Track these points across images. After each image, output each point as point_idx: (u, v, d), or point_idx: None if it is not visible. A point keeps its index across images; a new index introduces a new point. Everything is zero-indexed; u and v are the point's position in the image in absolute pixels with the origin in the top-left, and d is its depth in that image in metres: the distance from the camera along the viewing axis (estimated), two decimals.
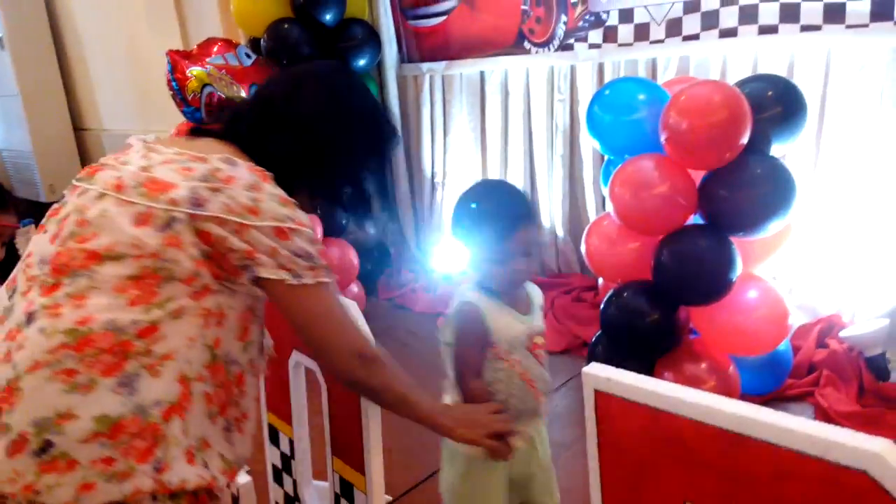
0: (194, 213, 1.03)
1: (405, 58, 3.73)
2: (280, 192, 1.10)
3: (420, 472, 2.02)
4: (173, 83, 2.63)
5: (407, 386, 1.21)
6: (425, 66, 3.62)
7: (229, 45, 2.89)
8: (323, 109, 1.22)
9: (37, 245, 1.12)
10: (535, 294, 1.41)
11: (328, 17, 3.19)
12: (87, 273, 1.03)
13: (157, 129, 3.15)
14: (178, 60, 2.65)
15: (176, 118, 2.94)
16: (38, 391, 0.97)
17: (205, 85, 2.62)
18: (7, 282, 1.14)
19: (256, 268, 1.06)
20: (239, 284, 1.09)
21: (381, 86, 3.73)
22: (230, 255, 1.05)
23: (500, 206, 1.32)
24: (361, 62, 3.40)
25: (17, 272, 1.12)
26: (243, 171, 1.08)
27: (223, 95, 2.64)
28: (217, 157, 1.09)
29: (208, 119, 2.62)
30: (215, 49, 2.79)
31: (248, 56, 2.92)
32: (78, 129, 5.41)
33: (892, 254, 2.29)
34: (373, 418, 1.25)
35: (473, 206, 1.34)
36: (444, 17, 3.49)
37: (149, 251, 1.02)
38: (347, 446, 1.33)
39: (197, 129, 1.23)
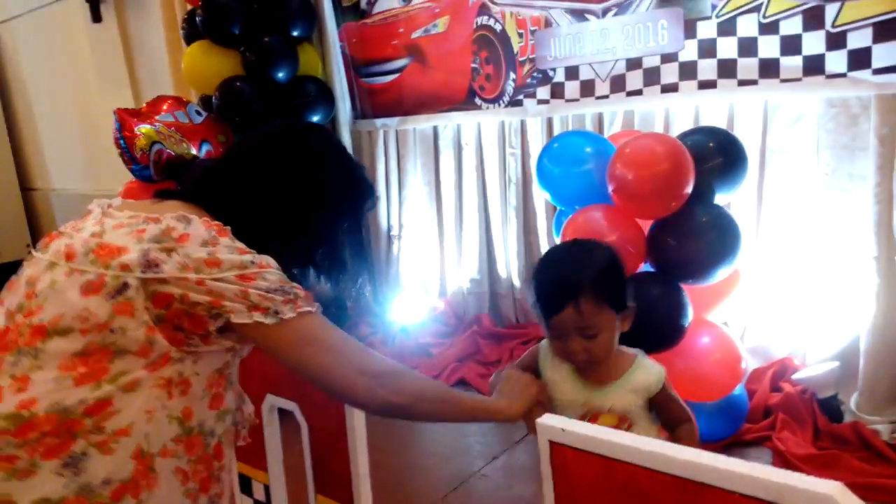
0: (147, 278, 0.97)
1: (359, 114, 3.77)
2: (238, 244, 1.04)
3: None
4: (121, 141, 2.60)
5: (438, 386, 1.16)
6: (379, 121, 3.66)
7: (179, 102, 2.88)
8: (299, 167, 1.16)
9: None
10: (635, 374, 1.28)
11: (280, 74, 3.22)
12: (31, 351, 0.97)
13: (106, 189, 3.10)
14: (126, 118, 2.63)
15: (126, 177, 2.90)
16: None
17: (154, 142, 2.60)
18: None
19: (227, 315, 0.99)
20: (207, 342, 1.02)
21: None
22: (195, 309, 0.98)
23: (541, 288, 1.26)
24: (315, 118, 3.42)
25: None
26: (198, 227, 1.03)
27: (172, 153, 2.62)
28: (171, 215, 1.03)
29: (157, 177, 2.59)
30: (165, 107, 2.78)
31: (199, 113, 2.91)
32: (26, 188, 5.30)
33: (839, 296, 2.35)
34: (360, 449, 1.24)
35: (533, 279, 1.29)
36: (396, 75, 3.55)
37: (95, 322, 0.97)
38: (333, 481, 1.30)
39: (163, 192, 1.17)
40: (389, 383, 1.08)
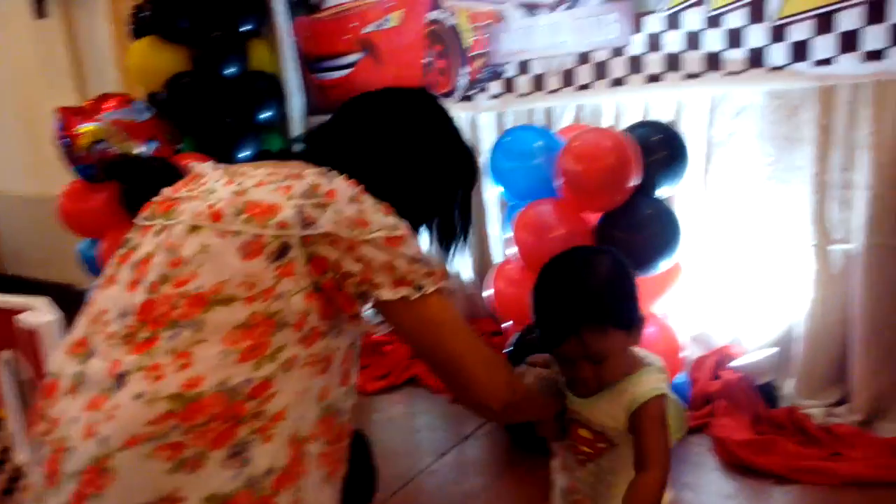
0: (307, 235, 0.92)
1: (312, 109, 3.74)
2: (379, 202, 0.99)
3: None
4: (64, 140, 2.54)
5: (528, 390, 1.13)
6: None
7: (124, 100, 2.82)
8: (428, 132, 1.13)
9: (108, 298, 0.96)
10: (625, 388, 1.11)
11: (230, 70, 3.18)
12: (190, 323, 0.88)
13: (50, 191, 3.02)
14: (68, 117, 2.57)
15: (70, 177, 2.83)
16: (136, 471, 0.82)
17: (98, 141, 2.54)
18: (69, 346, 0.95)
19: (376, 291, 0.94)
20: (349, 320, 0.98)
21: (288, 137, 3.72)
22: (346, 284, 0.94)
23: (539, 318, 1.13)
24: (266, 114, 3.39)
25: (84, 334, 0.95)
26: (342, 184, 0.98)
27: (117, 150, 2.56)
28: (312, 171, 0.99)
29: (102, 176, 2.53)
30: (109, 104, 2.72)
31: (145, 111, 2.85)
32: None
33: (778, 284, 2.41)
34: None
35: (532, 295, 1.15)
36: (349, 70, 3.52)
37: (262, 288, 0.90)
38: None
39: (282, 152, 1.12)
40: (511, 380, 1.04)
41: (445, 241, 1.19)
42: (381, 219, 0.97)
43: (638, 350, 1.18)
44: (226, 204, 0.95)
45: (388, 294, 0.95)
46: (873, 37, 2.07)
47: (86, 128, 2.57)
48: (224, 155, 3.05)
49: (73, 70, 4.16)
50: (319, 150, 1.09)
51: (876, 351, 2.20)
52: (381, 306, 0.97)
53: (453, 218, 1.18)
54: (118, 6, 3.70)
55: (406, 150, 1.10)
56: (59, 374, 0.93)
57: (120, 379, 0.86)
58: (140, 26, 3.22)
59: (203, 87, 3.10)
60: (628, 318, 1.12)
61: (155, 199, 1.06)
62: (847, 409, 2.26)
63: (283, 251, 0.92)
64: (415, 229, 1.09)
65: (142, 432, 0.83)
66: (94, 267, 2.67)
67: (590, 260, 1.19)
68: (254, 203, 0.94)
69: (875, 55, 2.08)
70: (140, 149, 2.70)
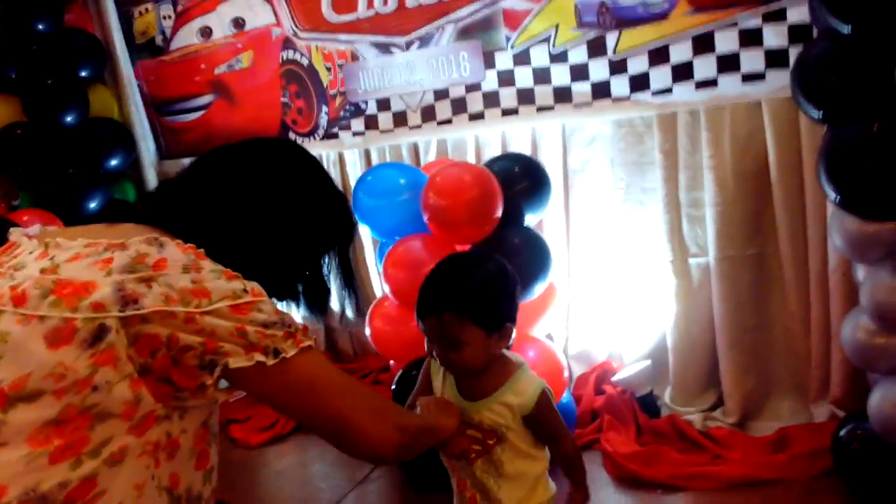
0: (127, 316, 0.80)
1: (164, 153, 3.55)
2: (222, 267, 0.88)
3: None
4: None
5: (411, 413, 1.12)
6: (188, 160, 3.44)
7: None
8: (286, 187, 1.02)
9: None
10: (508, 391, 1.26)
11: (68, 118, 2.96)
12: None
13: None
14: None
15: None
16: None
17: None
18: None
19: (223, 359, 0.83)
20: (193, 395, 0.85)
21: (141, 183, 3.51)
22: (184, 358, 0.82)
23: (418, 293, 1.27)
24: (114, 162, 3.18)
25: None
26: (174, 251, 0.86)
27: None
28: (138, 239, 0.87)
29: None
30: None
31: None
32: None
33: (644, 299, 2.53)
34: None
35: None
36: (202, 112, 3.39)
37: (74, 379, 0.78)
38: None
39: (126, 210, 0.95)
40: (400, 422, 1.01)
41: (317, 300, 1.11)
42: (223, 285, 0.86)
43: (506, 353, 1.32)
44: (31, 284, 0.83)
45: (240, 361, 0.85)
46: (703, 66, 2.24)
47: None
48: (70, 208, 2.84)
49: None
50: (162, 208, 0.99)
51: (740, 355, 2.35)
52: (234, 375, 0.86)
53: (322, 276, 1.10)
54: None
55: (267, 206, 1.01)
56: None
57: None
58: None
59: (39, 137, 2.87)
60: (489, 318, 1.24)
61: None
62: (722, 412, 2.39)
63: (98, 336, 0.80)
64: (280, 289, 1.03)
65: None
66: None
67: (475, 260, 1.39)
68: (64, 282, 0.83)
69: (706, 83, 2.25)
70: None
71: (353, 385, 0.99)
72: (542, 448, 1.32)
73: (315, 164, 1.10)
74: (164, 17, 3.31)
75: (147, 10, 3.33)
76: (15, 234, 0.94)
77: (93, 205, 3.03)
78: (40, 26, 2.93)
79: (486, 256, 1.36)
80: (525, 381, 1.28)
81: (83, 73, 3.11)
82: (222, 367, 0.84)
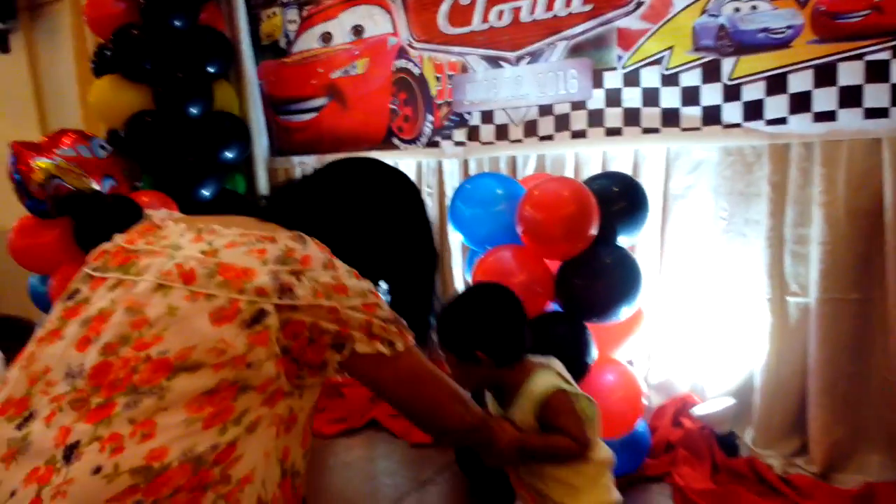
0: (284, 304, 0.89)
1: (276, 151, 3.73)
2: (348, 266, 1.00)
3: None
4: (15, 175, 2.47)
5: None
6: (297, 158, 3.63)
7: (82, 136, 2.78)
8: (396, 212, 1.17)
9: (51, 356, 0.89)
10: (528, 392, 1.38)
11: (193, 110, 3.16)
12: (152, 389, 0.83)
13: (2, 224, 2.94)
14: (22, 151, 2.51)
15: (21, 212, 2.76)
16: None
17: (51, 177, 2.48)
18: (4, 406, 0.87)
19: (352, 344, 0.95)
20: (312, 374, 0.96)
21: (252, 177, 3.70)
22: (321, 339, 0.93)
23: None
24: (229, 154, 3.37)
25: (24, 393, 0.87)
26: (315, 249, 0.97)
27: (71, 188, 2.51)
28: (286, 234, 0.97)
29: (54, 213, 2.46)
30: (66, 140, 2.67)
31: (103, 148, 2.81)
32: None
33: (735, 335, 2.44)
34: None
35: None
36: (315, 114, 3.54)
37: (232, 355, 0.86)
38: None
39: (247, 205, 1.12)
40: (472, 409, 1.17)
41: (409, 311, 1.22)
42: (356, 284, 0.98)
43: (535, 357, 1.47)
44: (198, 264, 0.90)
45: (365, 348, 0.97)
46: (823, 98, 2.15)
47: (40, 163, 2.52)
48: (185, 194, 3.02)
49: (35, 105, 4.11)
50: (287, 210, 1.08)
51: (832, 403, 2.23)
52: (354, 360, 0.97)
53: (414, 297, 1.23)
54: (81, 44, 3.68)
55: (375, 225, 1.14)
56: None
57: (70, 450, 0.80)
58: (103, 64, 3.21)
59: (165, 126, 3.07)
60: (462, 352, 1.41)
61: (106, 246, 1.00)
62: (805, 460, 2.27)
63: (257, 318, 0.88)
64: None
65: None
66: (44, 302, 2.58)
67: (468, 302, 1.53)
68: (226, 265, 0.90)
69: (825, 116, 2.16)
70: (96, 186, 2.64)
71: (442, 375, 1.13)
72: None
73: (420, 201, 1.25)
74: (290, 22, 3.49)
75: (274, 13, 3.53)
76: (156, 216, 1.03)
77: (206, 192, 3.21)
78: (177, 23, 3.14)
79: (476, 298, 1.53)
80: (538, 383, 1.38)
81: (210, 70, 3.31)
82: (350, 350, 0.96)
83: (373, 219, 1.14)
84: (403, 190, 1.22)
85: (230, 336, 0.86)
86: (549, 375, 1.40)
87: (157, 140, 3.02)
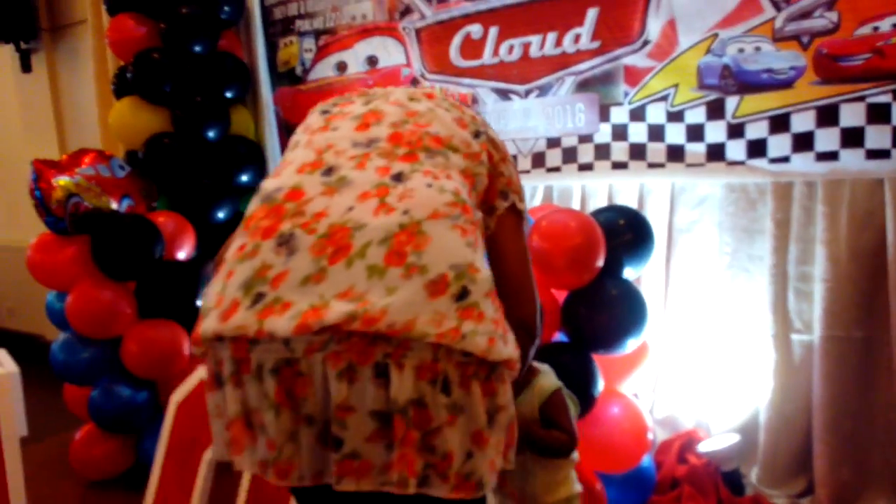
0: (488, 133, 1.16)
1: None
2: None
3: None
4: (37, 192, 2.53)
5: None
6: None
7: (102, 156, 2.84)
8: None
9: (328, 138, 1.09)
10: (538, 388, 1.50)
11: (210, 133, 3.23)
12: (440, 152, 1.05)
13: (19, 240, 2.99)
14: (43, 169, 2.57)
15: (41, 228, 2.81)
16: (445, 238, 0.95)
17: (71, 195, 2.54)
18: (296, 168, 1.05)
19: (513, 196, 1.16)
20: (487, 214, 1.16)
21: None
22: (497, 181, 1.15)
23: None
24: (245, 178, 3.43)
25: (316, 158, 1.05)
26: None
27: (90, 206, 2.56)
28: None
29: (72, 230, 2.52)
30: (86, 160, 2.73)
31: (122, 168, 2.87)
32: None
33: (740, 371, 2.45)
34: None
35: None
36: None
37: (473, 150, 1.10)
38: None
39: None
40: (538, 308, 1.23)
41: None
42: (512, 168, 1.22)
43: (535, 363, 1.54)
44: (433, 89, 1.18)
45: (520, 205, 1.18)
46: (825, 138, 2.20)
47: (60, 181, 2.58)
48: (200, 215, 3.08)
49: (55, 124, 4.19)
50: None
51: (837, 441, 2.23)
52: (503, 218, 1.16)
53: None
54: (102, 66, 3.77)
55: None
56: (298, 185, 1.00)
57: (398, 177, 0.99)
58: (123, 86, 3.28)
59: (183, 148, 3.14)
60: None
61: (322, 104, 1.24)
62: (811, 500, 2.27)
63: (477, 134, 1.14)
64: None
65: (441, 210, 0.96)
66: (60, 319, 2.61)
67: None
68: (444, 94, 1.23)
69: (827, 156, 2.21)
70: (114, 205, 2.70)
71: None
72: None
73: None
74: (306, 50, 3.57)
75: (292, 41, 3.61)
76: (353, 96, 1.24)
77: (221, 214, 3.26)
78: (197, 48, 3.22)
79: None
80: (544, 380, 1.51)
81: (228, 94, 3.38)
82: (511, 203, 1.16)
83: None
84: None
85: (468, 137, 1.11)
86: (552, 376, 1.56)
87: (175, 162, 3.08)
